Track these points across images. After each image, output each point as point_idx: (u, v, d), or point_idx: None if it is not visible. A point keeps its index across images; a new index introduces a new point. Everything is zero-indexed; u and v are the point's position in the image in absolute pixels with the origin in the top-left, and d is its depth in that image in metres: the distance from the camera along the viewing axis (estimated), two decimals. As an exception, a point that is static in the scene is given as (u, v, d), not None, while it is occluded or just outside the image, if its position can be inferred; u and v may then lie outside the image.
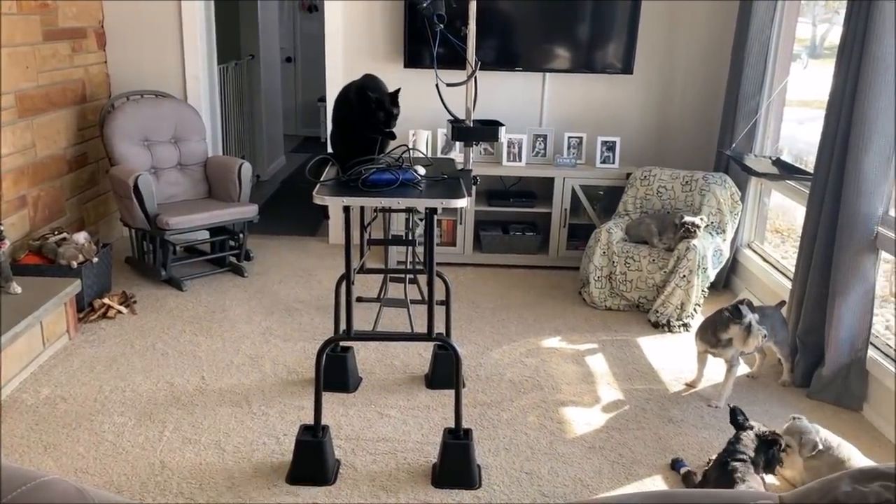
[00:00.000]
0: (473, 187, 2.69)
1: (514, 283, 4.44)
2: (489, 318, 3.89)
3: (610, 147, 4.63)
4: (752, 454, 2.26)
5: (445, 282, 3.02)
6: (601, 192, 4.71)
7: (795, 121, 4.37)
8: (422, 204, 2.21)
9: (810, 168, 3.42)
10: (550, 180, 4.58)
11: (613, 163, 4.62)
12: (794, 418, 2.21)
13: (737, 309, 3.00)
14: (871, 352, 3.08)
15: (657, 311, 3.88)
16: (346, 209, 2.29)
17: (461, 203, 2.25)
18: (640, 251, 4.01)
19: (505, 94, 4.70)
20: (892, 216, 3.06)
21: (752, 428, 2.30)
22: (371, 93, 2.39)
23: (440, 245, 4.62)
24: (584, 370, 3.38)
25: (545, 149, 4.68)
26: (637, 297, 4.02)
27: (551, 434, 2.85)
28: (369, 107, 2.39)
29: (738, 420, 2.35)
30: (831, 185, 3.11)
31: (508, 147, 4.59)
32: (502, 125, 2.53)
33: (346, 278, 2.37)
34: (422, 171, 2.43)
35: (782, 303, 3.30)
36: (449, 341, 2.48)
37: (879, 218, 3.01)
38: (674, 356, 3.54)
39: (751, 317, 2.96)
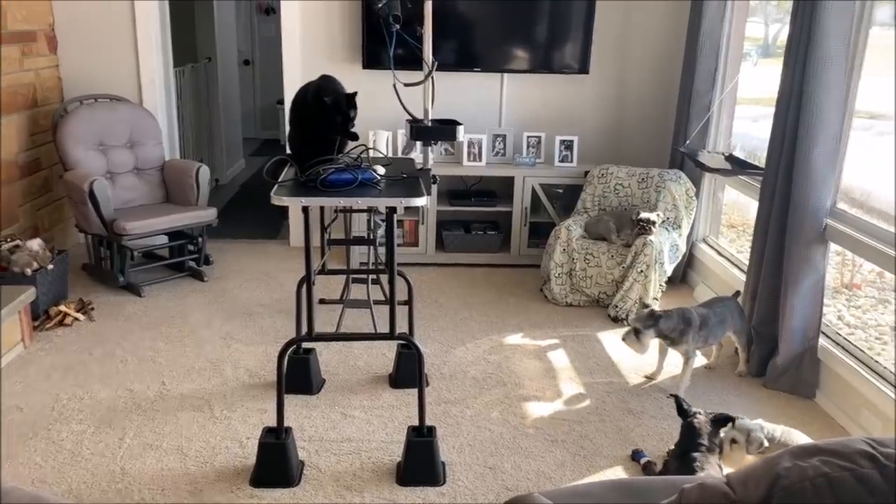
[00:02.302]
0: (433, 186, 2.70)
1: (477, 281, 4.46)
2: (452, 317, 3.90)
3: (568, 146, 4.68)
4: (707, 442, 2.31)
5: (407, 281, 3.03)
6: (560, 191, 4.75)
7: (749, 118, 4.47)
8: (381, 203, 2.21)
9: (763, 164, 3.50)
10: (511, 179, 4.62)
11: (572, 161, 4.67)
12: (739, 418, 2.28)
13: (646, 316, 3.06)
14: (822, 341, 3.16)
15: (616, 306, 3.93)
16: (305, 210, 2.28)
17: (420, 202, 2.26)
18: (599, 247, 4.06)
19: (464, 95, 4.72)
20: (840, 209, 3.15)
21: (695, 415, 2.35)
22: (327, 96, 2.38)
23: (402, 245, 4.63)
24: (546, 365, 3.41)
25: (505, 148, 4.72)
26: (597, 292, 4.08)
27: (514, 429, 2.87)
28: (326, 110, 2.39)
29: (683, 408, 2.40)
30: (781, 179, 3.19)
31: (469, 147, 4.61)
32: (460, 124, 2.54)
33: (307, 279, 2.36)
34: (381, 170, 2.43)
35: (737, 293, 3.38)
36: (411, 340, 2.49)
37: (828, 210, 3.09)
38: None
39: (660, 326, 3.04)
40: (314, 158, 2.36)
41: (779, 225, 3.21)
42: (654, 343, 3.21)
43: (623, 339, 3.11)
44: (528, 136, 4.72)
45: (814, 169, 3.03)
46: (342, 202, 2.21)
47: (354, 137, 2.47)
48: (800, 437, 2.46)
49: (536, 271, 4.55)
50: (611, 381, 3.28)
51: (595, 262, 4.04)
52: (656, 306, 3.81)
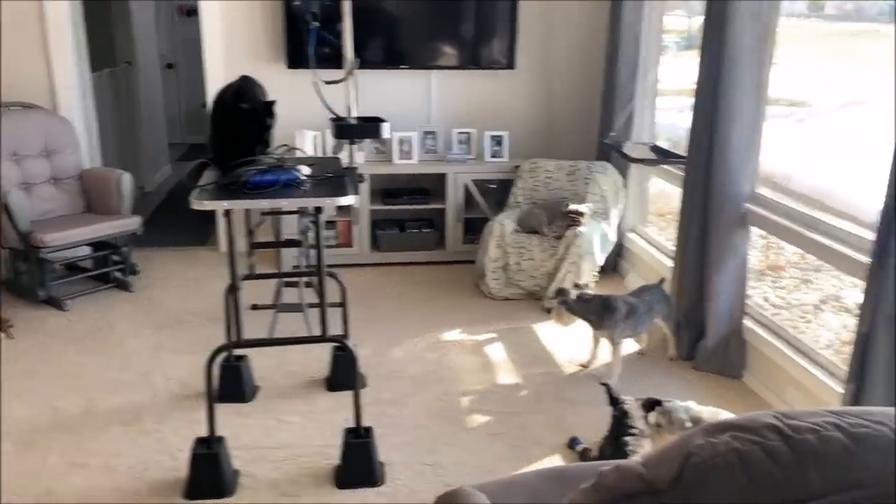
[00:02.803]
0: (362, 185, 2.68)
1: (414, 280, 4.45)
2: (390, 317, 3.89)
3: (498, 141, 4.72)
4: (641, 425, 2.37)
5: (340, 283, 3.00)
6: (493, 186, 4.79)
7: (675, 109, 4.59)
8: (305, 204, 2.19)
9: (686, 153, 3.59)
10: (443, 176, 4.63)
11: (502, 156, 4.71)
12: (666, 401, 2.35)
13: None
14: (748, 322, 3.27)
15: (550, 298, 3.99)
16: (228, 214, 2.23)
17: (347, 201, 2.24)
18: (532, 241, 4.11)
19: (393, 93, 4.71)
20: (759, 194, 3.26)
21: (624, 402, 2.41)
22: (246, 101, 2.34)
23: (336, 247, 4.59)
24: (484, 360, 3.43)
25: (436, 145, 4.72)
26: (531, 285, 4.12)
27: (453, 424, 2.88)
28: (243, 114, 2.35)
29: (612, 396, 2.46)
30: (702, 167, 3.28)
31: (399, 145, 4.60)
32: (384, 122, 2.53)
33: (232, 285, 2.32)
34: (305, 170, 2.41)
35: (663, 280, 3.46)
36: (343, 340, 2.47)
37: (748, 195, 3.20)
38: (568, 340, 3.65)
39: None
40: (235, 160, 2.32)
41: (701, 212, 3.30)
42: (582, 326, 3.28)
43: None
44: (459, 133, 4.73)
45: (732, 156, 3.13)
46: (265, 204, 2.18)
47: (266, 144, 2.43)
48: (728, 417, 2.54)
49: (472, 267, 4.57)
50: (547, 372, 3.32)
51: (528, 256, 4.08)
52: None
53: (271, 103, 2.37)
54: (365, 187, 4.49)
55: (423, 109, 4.80)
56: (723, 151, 3.13)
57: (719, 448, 0.91)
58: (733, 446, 0.91)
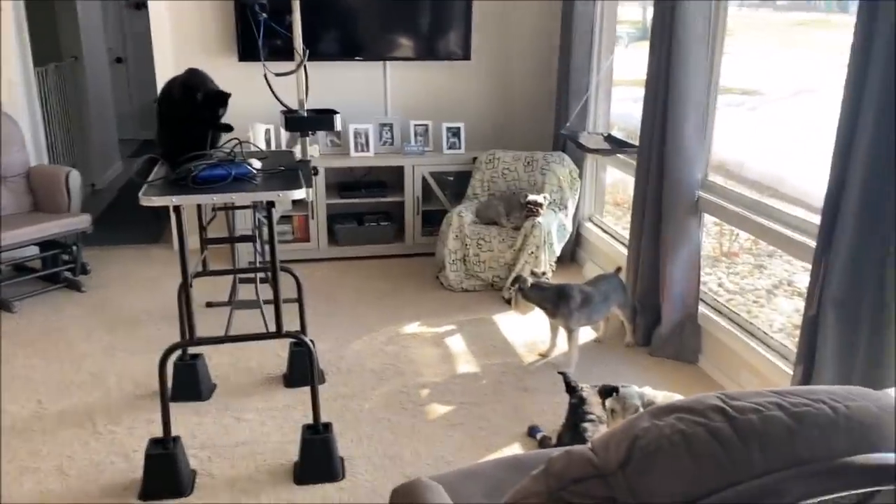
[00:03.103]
0: (314, 178, 2.66)
1: (372, 273, 4.44)
2: (348, 311, 3.87)
3: (455, 133, 4.72)
4: (598, 412, 2.40)
5: (295, 277, 2.98)
6: (451, 178, 4.79)
7: (630, 99, 4.63)
8: (257, 198, 2.16)
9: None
10: (400, 169, 4.62)
11: (460, 148, 4.72)
12: (622, 386, 2.38)
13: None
14: (702, 308, 3.33)
15: (510, 289, 4.01)
16: (178, 210, 2.19)
17: (299, 194, 2.22)
18: (491, 232, 4.12)
19: (348, 85, 4.67)
20: (711, 181, 3.31)
21: (582, 389, 2.43)
22: (197, 90, 2.30)
23: (293, 242, 4.55)
24: (444, 351, 3.44)
25: (392, 137, 4.70)
26: (491, 276, 4.14)
27: (413, 417, 2.88)
28: (195, 104, 2.31)
29: (570, 385, 2.48)
30: (655, 156, 3.32)
31: (355, 137, 4.57)
32: (336, 113, 2.51)
33: (184, 283, 2.28)
34: (257, 164, 2.38)
35: (619, 269, 3.51)
36: (300, 335, 2.45)
37: (700, 182, 3.25)
38: (527, 329, 3.67)
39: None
40: (185, 155, 2.28)
41: (655, 199, 3.35)
42: (536, 313, 3.32)
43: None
44: (416, 125, 4.72)
45: (684, 144, 3.17)
46: (216, 199, 2.14)
47: (227, 128, 2.40)
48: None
49: (431, 259, 4.58)
50: (506, 362, 3.34)
51: (487, 247, 4.10)
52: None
53: (223, 93, 2.33)
54: (321, 181, 4.45)
55: (378, 101, 4.77)
56: (675, 140, 3.18)
57: (664, 430, 0.93)
58: (678, 428, 0.92)
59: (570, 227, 4.32)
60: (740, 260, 4.38)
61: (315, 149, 4.50)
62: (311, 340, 2.78)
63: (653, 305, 3.45)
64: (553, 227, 4.07)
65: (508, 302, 3.99)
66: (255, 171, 2.32)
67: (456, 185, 4.77)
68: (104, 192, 6.23)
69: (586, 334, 3.60)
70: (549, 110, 4.88)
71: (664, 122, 3.23)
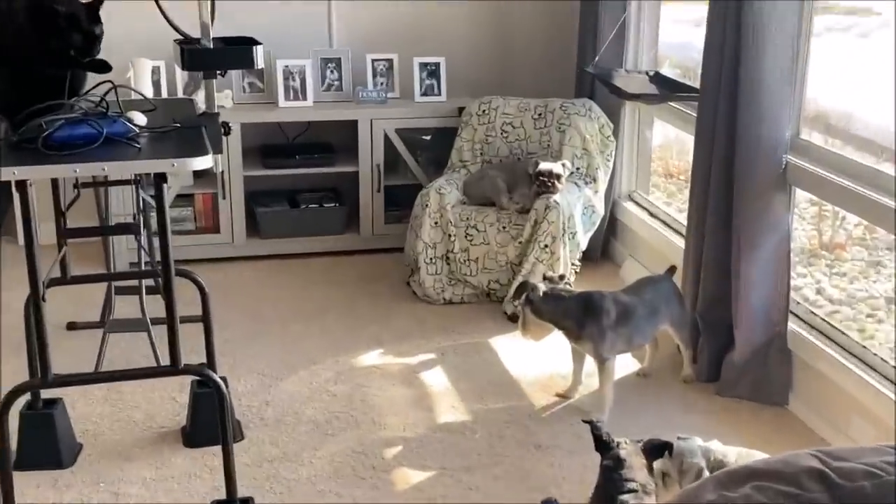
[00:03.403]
0: (225, 139, 2.65)
1: (313, 278, 4.43)
2: (278, 334, 3.86)
3: (432, 72, 4.71)
4: (641, 478, 2.40)
5: (199, 285, 2.96)
6: (426, 138, 4.77)
7: (689, 21, 4.64)
8: (140, 169, 2.16)
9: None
10: (353, 124, 4.60)
11: (439, 94, 4.71)
12: (679, 438, 2.38)
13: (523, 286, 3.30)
14: (793, 325, 3.35)
15: (513, 300, 4.00)
16: (23, 187, 2.18)
17: (203, 163, 2.22)
18: (485, 216, 4.12)
19: (277, 7, 4.64)
20: (805, 140, 3.32)
21: (618, 446, 2.44)
22: (57, 5, 2.28)
23: (196, 233, 4.55)
24: (418, 392, 3.44)
25: (341, 79, 4.69)
26: (486, 281, 4.14)
27: (374, 489, 2.88)
28: (55, 27, 2.29)
29: (601, 440, 2.48)
30: (724, 103, 3.33)
31: (286, 80, 4.56)
32: (258, 44, 2.50)
33: (32, 292, 2.26)
34: (140, 119, 2.36)
35: (672, 269, 3.52)
36: (206, 371, 2.45)
37: (788, 143, 3.26)
38: (540, 358, 3.67)
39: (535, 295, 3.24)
40: (31, 106, 2.26)
41: (724, 168, 3.36)
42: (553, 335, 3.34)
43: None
44: (374, 61, 4.72)
45: (765, 87, 3.18)
46: (79, 170, 2.13)
47: (101, 67, 2.38)
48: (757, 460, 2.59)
49: (399, 257, 4.57)
50: (510, 406, 3.35)
51: (481, 239, 4.10)
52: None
53: (95, 3, 2.32)
54: (235, 143, 4.43)
55: (321, 28, 4.76)
56: (752, 80, 3.18)
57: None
58: (757, 500, 0.92)
59: (600, 210, 4.33)
60: (848, 255, 4.40)
61: (227, 97, 4.54)
62: (223, 378, 2.77)
63: (722, 322, 3.46)
64: (576, 210, 4.07)
65: (512, 319, 3.99)
66: (137, 130, 2.30)
67: (434, 148, 4.76)
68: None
69: (625, 365, 3.61)
70: (569, 39, 4.88)
71: (736, 54, 3.23)
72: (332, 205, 4.70)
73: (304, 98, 4.59)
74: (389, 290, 4.29)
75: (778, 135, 3.23)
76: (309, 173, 4.67)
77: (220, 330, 3.75)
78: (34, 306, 2.31)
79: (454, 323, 3.98)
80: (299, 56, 4.63)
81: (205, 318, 2.98)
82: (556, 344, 3.65)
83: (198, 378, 2.99)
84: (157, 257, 3.24)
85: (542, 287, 3.26)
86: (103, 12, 2.39)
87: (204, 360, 3.06)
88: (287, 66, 4.56)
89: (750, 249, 3.29)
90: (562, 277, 3.39)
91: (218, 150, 2.36)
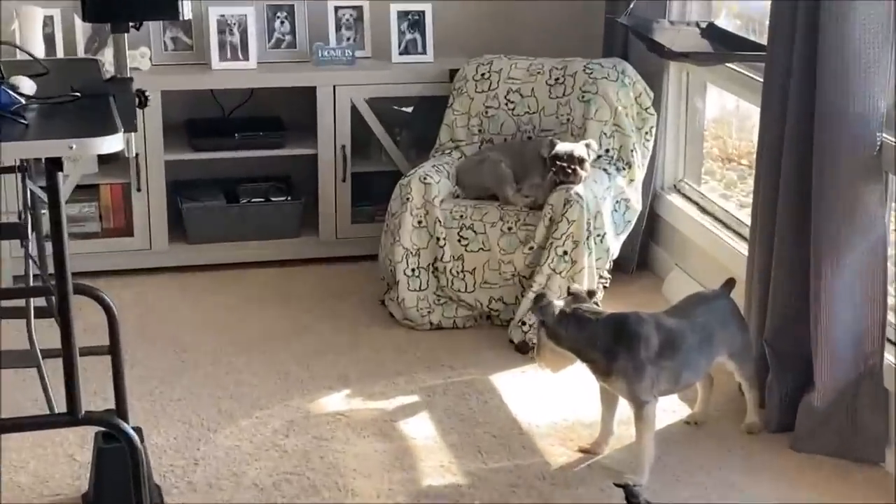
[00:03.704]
0: (141, 112, 2.63)
1: (258, 295, 4.43)
2: (210, 371, 3.85)
3: (415, 23, 4.71)
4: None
5: (106, 306, 2.95)
6: (406, 110, 4.77)
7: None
8: (28, 153, 2.14)
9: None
10: (310, 93, 4.60)
11: (423, 52, 4.72)
12: None
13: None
14: (892, 356, 3.34)
15: (524, 323, 4.00)
16: None
17: (111, 145, 2.20)
18: (485, 214, 4.12)
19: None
20: (904, 113, 3.32)
21: None
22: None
23: (102, 236, 4.55)
24: (397, 447, 3.43)
25: (293, 33, 4.70)
26: (486, 299, 4.14)
27: (338, 576, 2.87)
28: None
29: None
30: (799, 66, 3.31)
31: (221, 33, 4.55)
32: (185, -12, 2.49)
33: None
34: (28, 86, 2.35)
35: (730, 283, 3.50)
36: (116, 422, 2.43)
37: (883, 118, 3.24)
38: (558, 400, 3.67)
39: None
40: None
41: (799, 150, 3.34)
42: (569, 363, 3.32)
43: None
44: (339, 9, 4.72)
45: (852, 45, 3.16)
46: (-56, 155, 2.12)
47: None
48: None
49: (371, 267, 4.56)
50: (518, 465, 3.34)
51: (479, 243, 4.10)
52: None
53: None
54: (154, 117, 4.43)
55: (267, -35, 4.76)
56: (836, 38, 3.17)
57: None
58: None
59: (637, 205, 4.33)
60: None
61: (143, 56, 4.52)
62: (138, 429, 2.75)
63: (797, 353, 3.45)
64: (605, 205, 4.08)
65: (520, 349, 3.98)
66: (23, 101, 2.29)
67: (418, 123, 4.76)
68: None
69: (670, 410, 3.61)
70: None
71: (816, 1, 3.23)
72: (283, 199, 4.70)
73: (246, 58, 4.59)
74: (359, 312, 4.29)
75: (870, 107, 3.20)
76: (252, 157, 4.68)
77: (133, 365, 3.75)
78: None
79: (444, 355, 3.98)
80: (239, 2, 4.63)
81: (113, 350, 2.95)
82: (580, 382, 3.64)
83: (104, 429, 2.97)
84: (50, 269, 3.22)
85: (560, 304, 3.24)
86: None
87: (112, 405, 3.04)
88: (223, 16, 4.55)
89: (834, 257, 3.27)
90: (591, 294, 3.37)
91: (131, 127, 2.34)
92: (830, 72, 3.21)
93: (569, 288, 3.46)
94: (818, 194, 3.30)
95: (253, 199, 4.70)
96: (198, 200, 4.67)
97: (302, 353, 3.98)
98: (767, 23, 3.53)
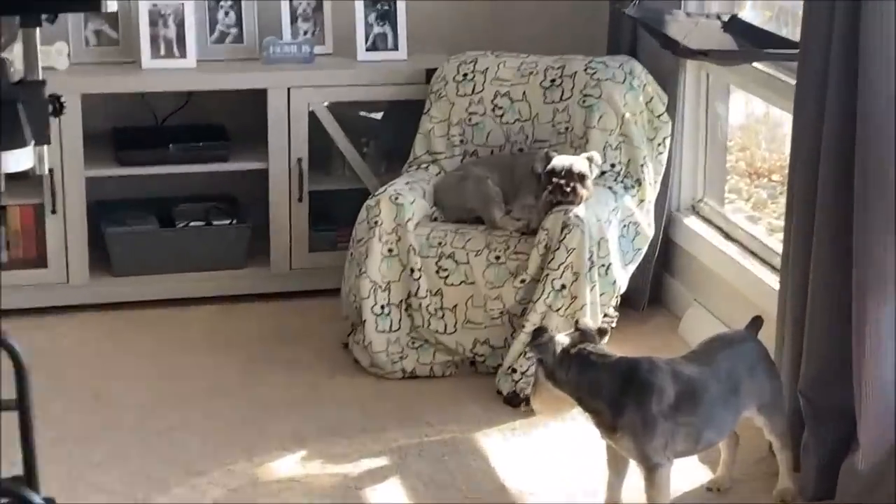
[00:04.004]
0: (55, 121, 2.63)
1: (197, 337, 4.44)
2: (138, 429, 3.85)
3: (384, 14, 4.74)
4: None
5: (13, 353, 2.93)
6: (375, 117, 4.78)
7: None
8: None
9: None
10: (260, 96, 4.62)
11: (395, 48, 4.75)
12: None
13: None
14: (947, 409, 3.36)
15: (514, 370, 4.00)
16: None
17: (19, 161, 2.23)
18: (468, 240, 4.13)
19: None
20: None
21: None
22: None
23: (10, 267, 4.53)
24: (362, 521, 3.44)
25: (240, 26, 4.72)
26: (469, 342, 4.15)
27: None
28: None
29: None
30: (837, 66, 3.33)
31: (154, 25, 4.56)
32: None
33: None
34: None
35: (758, 321, 3.50)
36: (24, 493, 2.44)
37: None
38: (554, 463, 3.67)
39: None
40: None
41: (838, 166, 3.36)
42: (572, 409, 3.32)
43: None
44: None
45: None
46: None
47: None
48: None
49: (332, 303, 4.57)
50: (507, 543, 3.34)
51: (461, 275, 4.11)
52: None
53: None
54: (72, 126, 4.44)
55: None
56: (880, 33, 3.18)
57: None
58: None
59: (648, 230, 4.35)
60: None
61: (60, 53, 4.52)
62: (50, 499, 2.74)
63: (838, 407, 3.45)
64: (611, 230, 4.09)
65: (510, 401, 3.98)
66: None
67: (388, 133, 4.79)
68: None
69: (689, 473, 3.61)
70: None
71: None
72: (227, 222, 4.71)
73: (183, 55, 4.61)
74: (317, 358, 4.30)
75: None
76: (190, 173, 4.69)
77: (46, 423, 3.74)
78: None
79: (419, 408, 3.98)
80: (176, -9, 4.65)
81: (21, 405, 2.94)
82: (581, 437, 3.65)
83: (9, 501, 2.96)
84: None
85: (563, 341, 3.23)
86: None
87: (20, 471, 3.03)
88: (156, 6, 4.57)
89: (882, 291, 3.28)
90: (602, 332, 3.36)
91: (43, 138, 2.35)
92: (875, 74, 3.22)
93: (576, 322, 3.42)
94: (862, 216, 3.30)
95: (191, 223, 4.70)
96: (125, 224, 4.67)
97: (249, 408, 3.98)
98: (801, 17, 3.55)
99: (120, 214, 4.71)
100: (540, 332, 3.28)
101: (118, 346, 4.38)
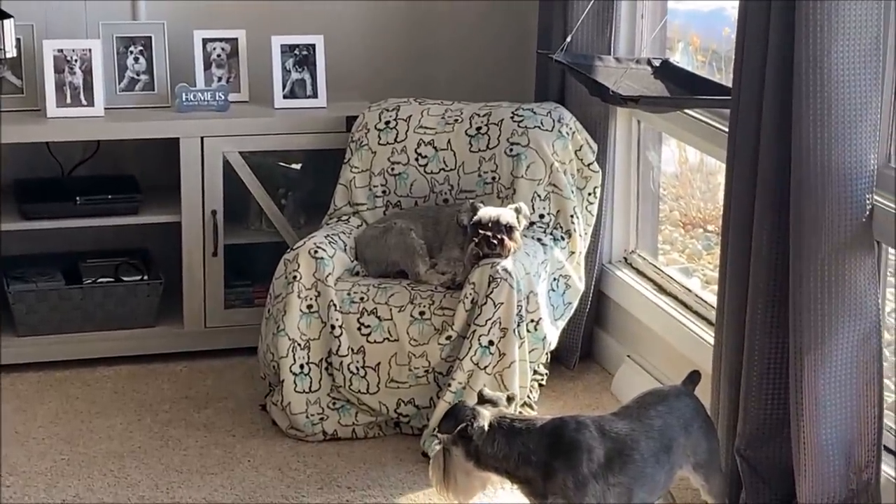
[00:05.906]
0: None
1: (105, 400, 4.41)
2: (41, 500, 3.80)
3: (303, 60, 4.75)
4: None
5: None
6: (294, 167, 4.80)
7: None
8: None
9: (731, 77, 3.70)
10: (172, 145, 4.62)
11: (314, 96, 4.77)
12: None
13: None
14: (889, 468, 3.40)
15: (435, 434, 4.00)
16: None
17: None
18: (392, 295, 4.15)
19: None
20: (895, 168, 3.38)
21: None
22: None
23: None
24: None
25: (151, 72, 4.72)
26: (393, 402, 4.15)
27: None
28: None
29: None
30: (772, 112, 3.37)
31: (60, 72, 4.54)
32: (6, 16, 2.52)
33: None
34: None
35: (694, 377, 3.53)
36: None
37: (873, 176, 3.30)
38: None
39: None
40: None
41: (773, 215, 3.40)
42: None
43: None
44: (208, 42, 4.76)
45: (836, 88, 3.22)
46: None
47: None
48: None
49: (248, 363, 4.56)
50: None
51: (384, 332, 4.12)
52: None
53: None
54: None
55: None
56: (816, 79, 3.21)
57: None
58: None
59: (580, 282, 4.38)
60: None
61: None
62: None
63: (775, 465, 3.49)
64: (540, 284, 4.12)
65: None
66: None
67: (307, 183, 4.80)
68: None
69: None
70: (520, 12, 4.95)
71: (792, 35, 3.29)
72: (138, 279, 4.69)
73: (90, 103, 4.60)
74: (233, 420, 4.29)
75: (857, 162, 3.26)
76: (99, 227, 4.69)
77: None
78: None
79: (341, 472, 3.98)
80: (81, 33, 4.65)
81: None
82: (513, 500, 3.65)
83: None
84: None
85: (488, 416, 3.23)
86: None
87: None
88: (61, 51, 4.54)
89: (818, 347, 3.30)
90: (510, 399, 3.37)
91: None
92: (810, 121, 3.25)
93: (480, 392, 3.40)
94: (797, 269, 3.33)
95: (99, 280, 4.69)
96: (29, 281, 4.64)
97: (161, 475, 3.95)
98: (734, 59, 3.58)
99: (24, 271, 4.69)
100: (457, 411, 3.27)
101: (18, 411, 4.33)
